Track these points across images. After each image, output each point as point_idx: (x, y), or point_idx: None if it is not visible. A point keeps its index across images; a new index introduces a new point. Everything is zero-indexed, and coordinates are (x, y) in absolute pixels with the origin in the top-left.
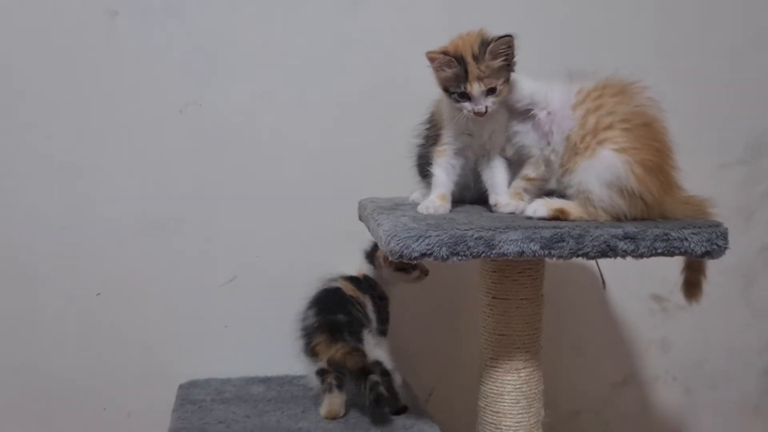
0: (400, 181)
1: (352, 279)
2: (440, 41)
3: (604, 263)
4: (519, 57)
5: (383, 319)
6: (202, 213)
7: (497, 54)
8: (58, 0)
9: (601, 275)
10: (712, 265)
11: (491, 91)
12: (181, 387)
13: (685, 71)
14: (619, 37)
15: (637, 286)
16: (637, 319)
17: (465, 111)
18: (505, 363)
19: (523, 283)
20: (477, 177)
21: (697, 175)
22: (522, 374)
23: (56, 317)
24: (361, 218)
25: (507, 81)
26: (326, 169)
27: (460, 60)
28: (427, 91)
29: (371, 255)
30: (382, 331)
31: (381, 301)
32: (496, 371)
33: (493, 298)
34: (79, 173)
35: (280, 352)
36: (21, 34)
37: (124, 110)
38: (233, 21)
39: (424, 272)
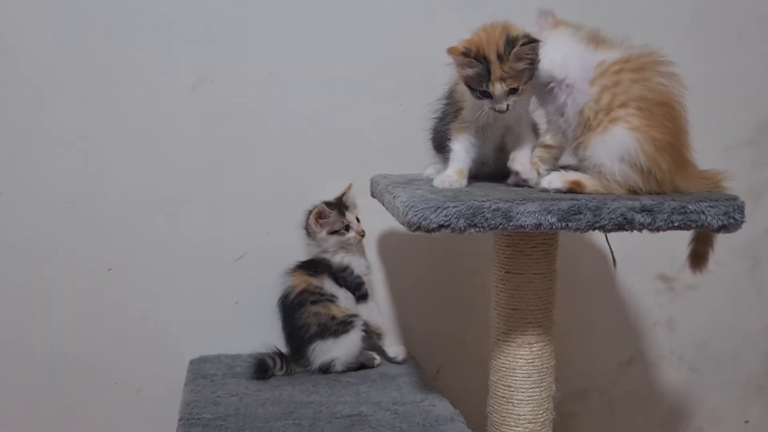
0: (411, 159)
1: (305, 265)
2: (450, 18)
3: (614, 242)
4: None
5: (354, 286)
6: (213, 189)
7: (522, 57)
8: None
9: (612, 254)
10: (719, 246)
11: (513, 91)
12: (192, 362)
13: (694, 53)
14: (627, 18)
15: (644, 265)
16: (644, 298)
17: (486, 108)
18: (518, 337)
19: (537, 258)
20: (496, 154)
21: (705, 156)
22: (534, 348)
23: (67, 292)
24: (373, 194)
25: (529, 80)
26: (336, 147)
27: (482, 59)
28: (438, 68)
29: (306, 226)
30: (361, 297)
31: (342, 272)
32: (509, 345)
33: (506, 272)
34: (89, 148)
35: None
36: (33, 5)
37: (135, 85)
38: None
39: (359, 233)
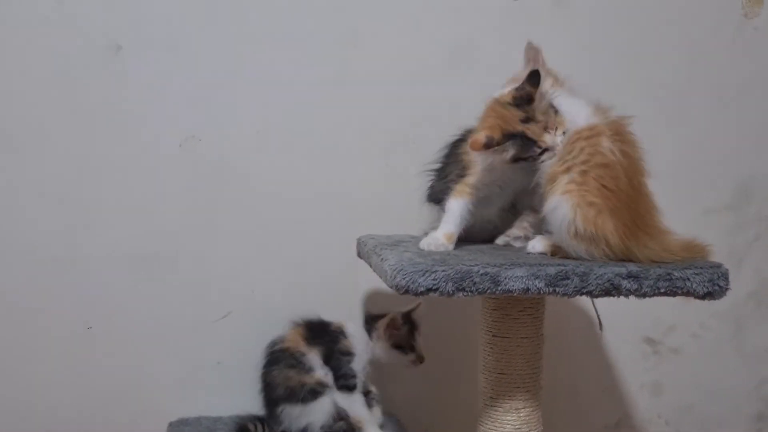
0: (397, 220)
1: (312, 327)
2: (439, 78)
3: (600, 304)
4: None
5: (342, 374)
6: (198, 247)
7: (541, 96)
8: (62, 32)
9: (598, 317)
10: (703, 310)
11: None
12: (171, 425)
13: (673, 116)
14: (608, 81)
15: (630, 328)
16: (631, 361)
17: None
18: (505, 402)
19: (524, 322)
20: (503, 214)
21: (684, 220)
22: (522, 414)
23: (45, 350)
24: (360, 255)
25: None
26: (323, 206)
27: (512, 135)
28: (425, 129)
29: (370, 322)
30: (345, 387)
31: (343, 356)
32: (496, 411)
33: (493, 336)
34: (73, 204)
35: None
36: (23, 62)
37: (122, 142)
38: (234, 57)
39: (420, 358)
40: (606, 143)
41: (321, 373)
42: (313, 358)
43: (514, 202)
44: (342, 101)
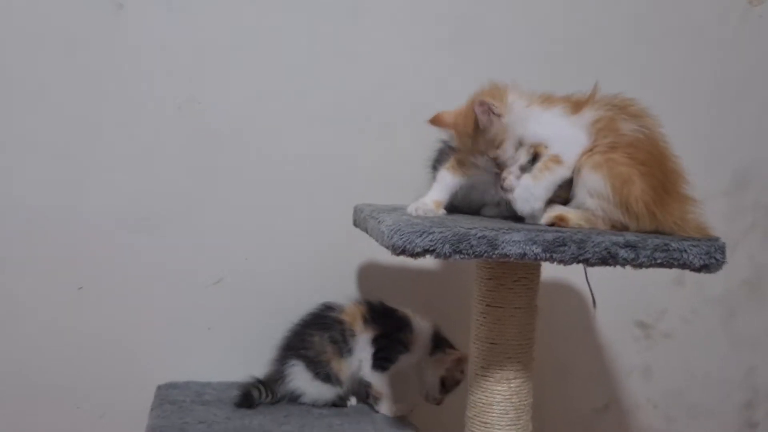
0: (395, 191)
1: (369, 306)
2: (439, 52)
3: (594, 285)
4: (514, 75)
5: (385, 357)
6: (193, 212)
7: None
8: None
9: (592, 294)
10: (695, 295)
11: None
12: (159, 388)
13: (675, 101)
14: (608, 68)
15: (623, 311)
16: (622, 345)
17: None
18: (496, 372)
19: (518, 292)
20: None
21: None
22: (512, 384)
23: (33, 308)
24: (356, 223)
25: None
26: (320, 174)
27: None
28: (425, 99)
29: (439, 342)
30: (380, 366)
31: (398, 345)
32: (486, 380)
33: (486, 305)
34: (69, 162)
35: (264, 358)
36: (21, 20)
37: (121, 102)
38: (236, 21)
39: (438, 402)
40: (625, 125)
41: (355, 361)
42: (362, 340)
43: None
44: (344, 69)
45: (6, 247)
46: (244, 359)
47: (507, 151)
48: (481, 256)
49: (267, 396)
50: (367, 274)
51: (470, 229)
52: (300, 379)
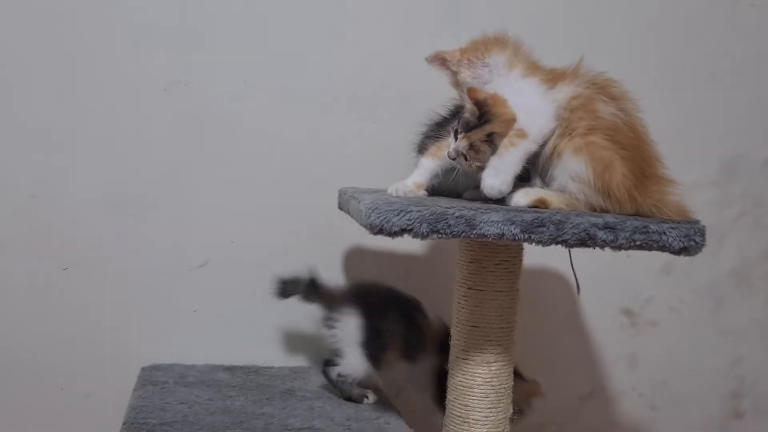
0: (382, 175)
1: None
2: (429, 34)
3: (580, 273)
4: None
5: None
6: (179, 194)
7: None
8: None
9: (576, 279)
10: (682, 284)
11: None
12: (143, 369)
13: (665, 89)
14: (597, 57)
15: (609, 298)
16: (607, 332)
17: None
18: (476, 355)
19: (500, 275)
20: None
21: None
22: (493, 368)
23: (18, 289)
24: (340, 206)
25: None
26: (307, 158)
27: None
28: (416, 84)
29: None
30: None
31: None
32: (467, 363)
33: (468, 288)
34: (55, 143)
35: (248, 341)
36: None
37: (107, 82)
38: (223, 1)
39: None
40: (603, 107)
41: (409, 374)
42: (428, 364)
43: None
44: (331, 52)
45: None
46: (230, 342)
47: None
48: (459, 235)
49: (306, 293)
50: (353, 257)
51: (448, 208)
52: (348, 331)
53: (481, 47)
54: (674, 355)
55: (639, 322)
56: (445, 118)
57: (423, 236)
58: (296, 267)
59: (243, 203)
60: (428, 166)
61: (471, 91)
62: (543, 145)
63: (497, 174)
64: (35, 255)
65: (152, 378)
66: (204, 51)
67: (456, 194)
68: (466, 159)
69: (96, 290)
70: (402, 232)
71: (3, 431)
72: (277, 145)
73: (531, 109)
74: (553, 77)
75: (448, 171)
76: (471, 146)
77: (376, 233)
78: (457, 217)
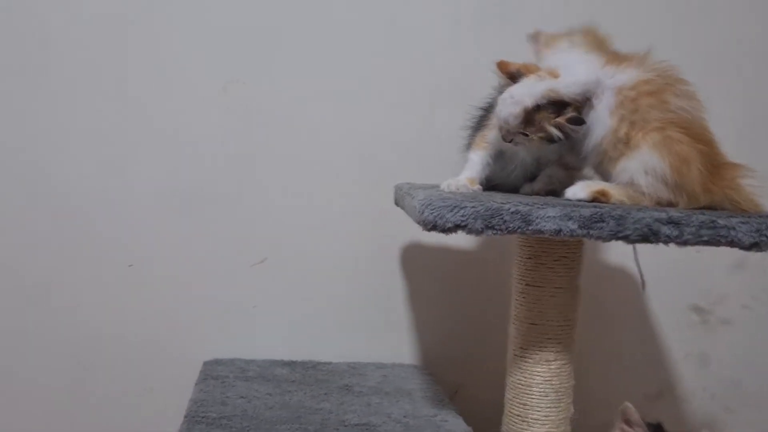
0: (439, 170)
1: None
2: (478, 32)
3: (646, 268)
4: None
5: None
6: (237, 192)
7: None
8: None
9: (641, 274)
10: (756, 281)
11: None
12: (205, 364)
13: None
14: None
15: (677, 295)
16: (676, 329)
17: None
18: (535, 353)
19: (559, 272)
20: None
21: None
22: (552, 366)
23: (85, 286)
24: (396, 202)
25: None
26: (365, 154)
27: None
28: (472, 78)
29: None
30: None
31: None
32: (525, 362)
33: (526, 285)
34: (118, 143)
35: (307, 337)
36: (72, 5)
37: (167, 81)
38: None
39: None
40: (675, 101)
41: None
42: None
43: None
44: (388, 48)
45: (57, 228)
46: (288, 337)
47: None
48: (515, 231)
49: None
50: (409, 254)
51: (503, 204)
52: None
53: (557, 36)
54: (748, 354)
55: (710, 320)
56: (484, 110)
57: (477, 232)
58: (352, 263)
59: (300, 200)
60: (476, 159)
61: (500, 65)
62: (592, 135)
63: (508, 100)
64: (101, 253)
65: (213, 372)
66: (261, 49)
67: (512, 187)
68: (525, 135)
69: (159, 287)
70: (456, 228)
71: (68, 426)
72: (334, 142)
73: (576, 67)
74: (617, 57)
75: (497, 157)
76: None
77: (429, 229)
78: (512, 212)
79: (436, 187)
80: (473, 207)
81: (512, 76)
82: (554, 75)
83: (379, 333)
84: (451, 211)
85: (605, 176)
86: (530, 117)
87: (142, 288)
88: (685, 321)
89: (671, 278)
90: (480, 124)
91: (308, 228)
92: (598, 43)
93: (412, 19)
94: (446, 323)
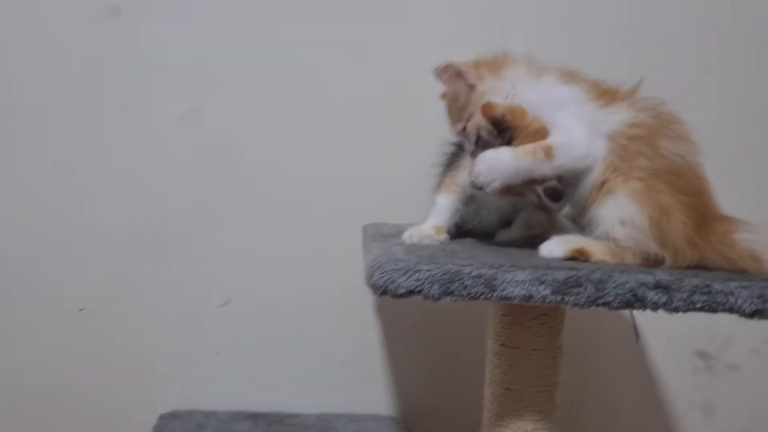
0: (412, 206)
1: None
2: (464, 54)
3: (640, 311)
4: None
5: None
6: (198, 229)
7: None
8: None
9: (635, 326)
10: (765, 327)
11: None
12: (161, 418)
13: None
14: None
15: (680, 339)
16: (679, 377)
17: None
18: (512, 422)
19: (537, 332)
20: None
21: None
22: None
23: (33, 331)
24: (364, 245)
25: None
26: (334, 189)
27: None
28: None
29: None
30: None
31: None
32: (502, 430)
33: (501, 345)
34: (68, 177)
35: (273, 386)
36: (16, 28)
37: (121, 113)
38: (242, 23)
39: None
40: (667, 144)
41: None
42: None
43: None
44: (358, 75)
45: (4, 266)
46: (253, 387)
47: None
48: (477, 297)
49: None
50: (382, 298)
51: (464, 266)
52: None
53: (493, 62)
54: (758, 403)
55: (716, 366)
56: (456, 146)
57: (435, 299)
58: (322, 305)
59: (266, 237)
60: (444, 204)
61: (485, 108)
62: (582, 178)
63: (494, 172)
64: (49, 296)
65: (167, 428)
66: (220, 77)
67: (487, 233)
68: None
69: (112, 332)
70: (409, 294)
71: None
72: (302, 175)
73: (571, 126)
74: (604, 93)
75: (469, 201)
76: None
77: (380, 295)
78: (474, 276)
79: (402, 232)
80: (429, 270)
81: (496, 121)
82: (542, 134)
83: (353, 381)
84: (404, 275)
85: (584, 226)
86: (508, 186)
87: (94, 334)
88: (688, 368)
89: (672, 321)
90: (450, 162)
91: (276, 267)
92: (542, 66)
93: (380, 46)
94: (426, 370)
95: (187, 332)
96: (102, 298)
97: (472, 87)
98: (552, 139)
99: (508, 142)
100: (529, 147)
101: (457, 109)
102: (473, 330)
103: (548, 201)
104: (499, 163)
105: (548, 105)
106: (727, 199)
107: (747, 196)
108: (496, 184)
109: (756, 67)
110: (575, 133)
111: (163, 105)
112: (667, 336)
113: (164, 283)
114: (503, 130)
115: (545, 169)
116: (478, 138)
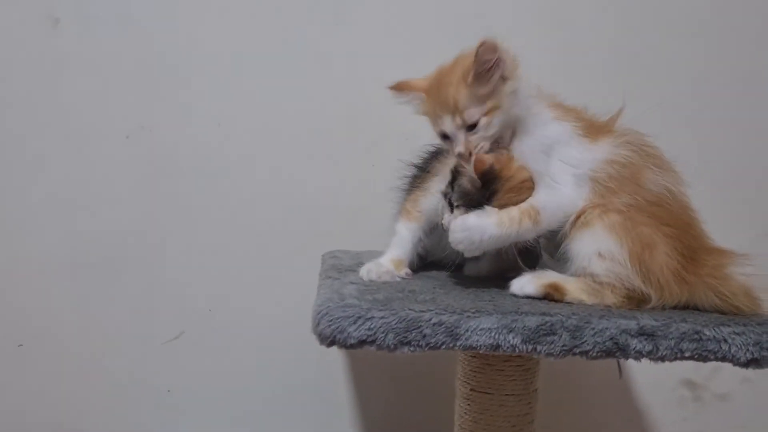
0: (377, 231)
1: None
2: (432, 64)
3: None
4: None
5: None
6: (146, 255)
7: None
8: None
9: (618, 361)
10: None
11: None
12: None
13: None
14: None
15: (665, 369)
16: (664, 408)
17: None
18: None
19: (510, 375)
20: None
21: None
22: None
23: None
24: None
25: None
26: (293, 212)
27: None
28: (416, 124)
29: None
30: None
31: None
32: None
33: (471, 390)
34: (5, 204)
35: (229, 424)
36: None
37: (63, 131)
38: (194, 34)
39: None
40: (652, 177)
41: None
42: None
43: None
44: (319, 89)
45: None
46: (208, 425)
47: (491, 123)
48: (438, 347)
49: None
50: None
51: (423, 312)
52: None
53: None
54: None
55: (704, 396)
56: (419, 168)
57: (390, 349)
58: (282, 337)
59: (221, 266)
60: (405, 234)
61: (477, 163)
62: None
63: (477, 242)
64: None
65: None
66: (170, 93)
67: (454, 264)
68: None
69: (54, 369)
70: (361, 344)
71: None
72: (258, 199)
73: (558, 181)
74: (590, 126)
75: (433, 229)
76: None
77: (327, 345)
78: (434, 324)
79: (358, 267)
80: (383, 318)
81: (485, 173)
82: (527, 185)
83: (316, 418)
84: (355, 323)
85: (560, 261)
86: None
87: (34, 370)
88: (675, 398)
89: None
90: (412, 186)
91: (231, 297)
92: (590, 126)
93: (347, 55)
94: (394, 405)
95: (136, 368)
96: (43, 332)
97: (504, 78)
98: (538, 200)
99: (489, 198)
100: (515, 214)
101: (473, 88)
102: (444, 363)
103: (522, 264)
104: (482, 233)
105: (538, 146)
106: (718, 230)
107: (739, 226)
108: (476, 253)
109: (744, 89)
110: (563, 192)
111: (107, 124)
112: (652, 365)
113: (110, 314)
114: (487, 181)
115: (529, 235)
116: (454, 179)
